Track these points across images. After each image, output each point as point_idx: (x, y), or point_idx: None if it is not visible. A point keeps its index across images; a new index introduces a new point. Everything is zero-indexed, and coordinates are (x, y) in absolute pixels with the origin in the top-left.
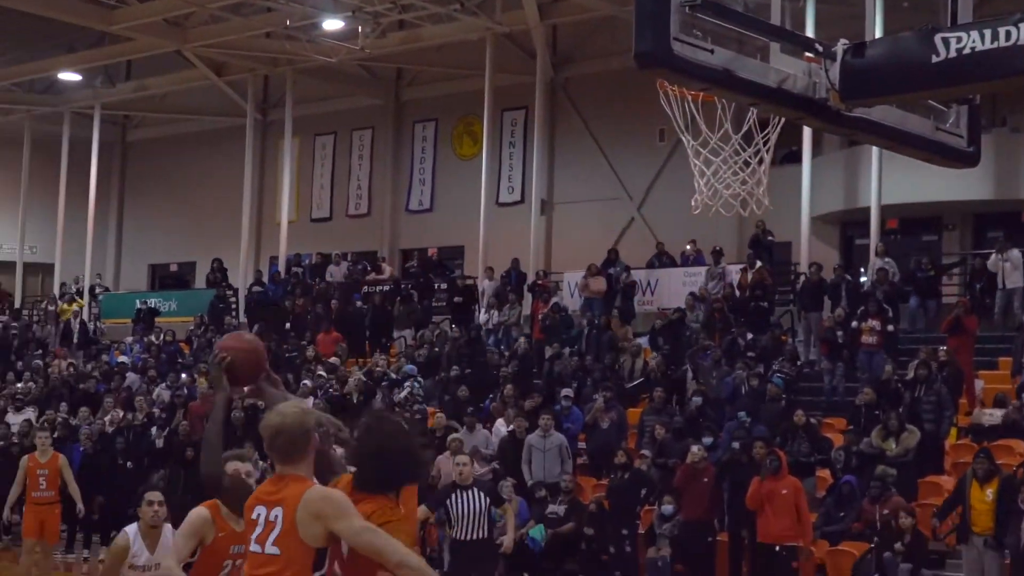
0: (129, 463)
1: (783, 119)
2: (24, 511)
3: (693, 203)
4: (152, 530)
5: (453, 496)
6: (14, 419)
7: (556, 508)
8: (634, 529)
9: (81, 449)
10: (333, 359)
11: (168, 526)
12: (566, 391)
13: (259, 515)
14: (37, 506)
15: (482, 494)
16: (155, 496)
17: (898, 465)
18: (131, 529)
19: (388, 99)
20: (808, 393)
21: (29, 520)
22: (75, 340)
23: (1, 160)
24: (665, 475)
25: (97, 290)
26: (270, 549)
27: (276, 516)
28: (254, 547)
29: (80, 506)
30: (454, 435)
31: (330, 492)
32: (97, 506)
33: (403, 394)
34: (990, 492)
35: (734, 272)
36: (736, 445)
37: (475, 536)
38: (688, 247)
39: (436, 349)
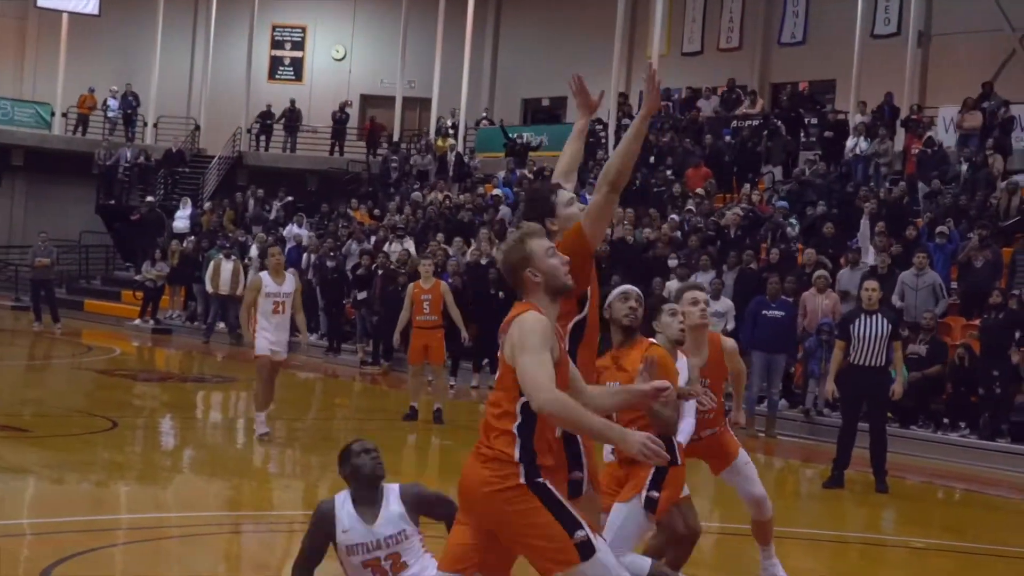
0: (501, 293)
1: None
2: (411, 336)
3: None
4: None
5: (857, 320)
6: (393, 249)
7: (917, 348)
8: (1005, 371)
9: (449, 280)
10: (699, 191)
11: None
12: (941, 228)
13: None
14: (421, 330)
15: (885, 321)
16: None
17: None
18: None
19: None
20: None
21: (415, 344)
22: (451, 173)
23: None
24: None
25: (480, 123)
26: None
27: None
28: None
29: (464, 333)
30: (820, 272)
31: (525, 319)
32: (470, 334)
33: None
34: None
35: None
36: None
37: (873, 363)
38: None
39: (800, 185)
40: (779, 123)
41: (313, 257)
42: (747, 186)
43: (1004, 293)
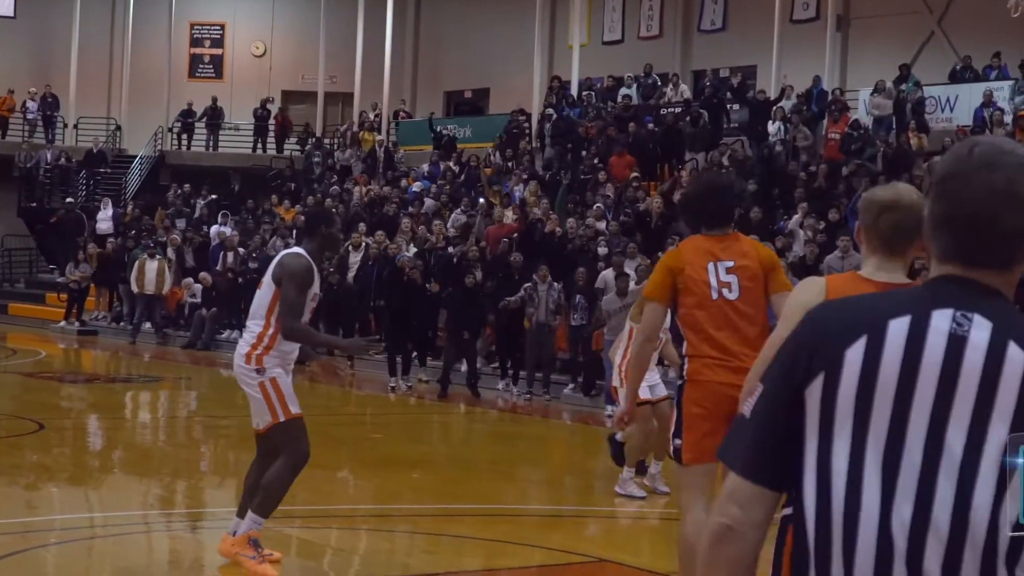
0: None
1: None
2: None
3: (1011, 4)
4: None
5: None
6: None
7: None
8: None
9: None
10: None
11: None
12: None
13: None
14: None
15: None
16: None
17: None
18: None
19: None
20: None
21: None
22: (380, 169)
23: None
24: None
25: (399, 114)
26: None
27: None
28: None
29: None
30: None
31: None
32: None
33: None
34: None
35: None
36: None
37: None
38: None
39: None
40: (701, 110)
41: (231, 255)
42: (678, 171)
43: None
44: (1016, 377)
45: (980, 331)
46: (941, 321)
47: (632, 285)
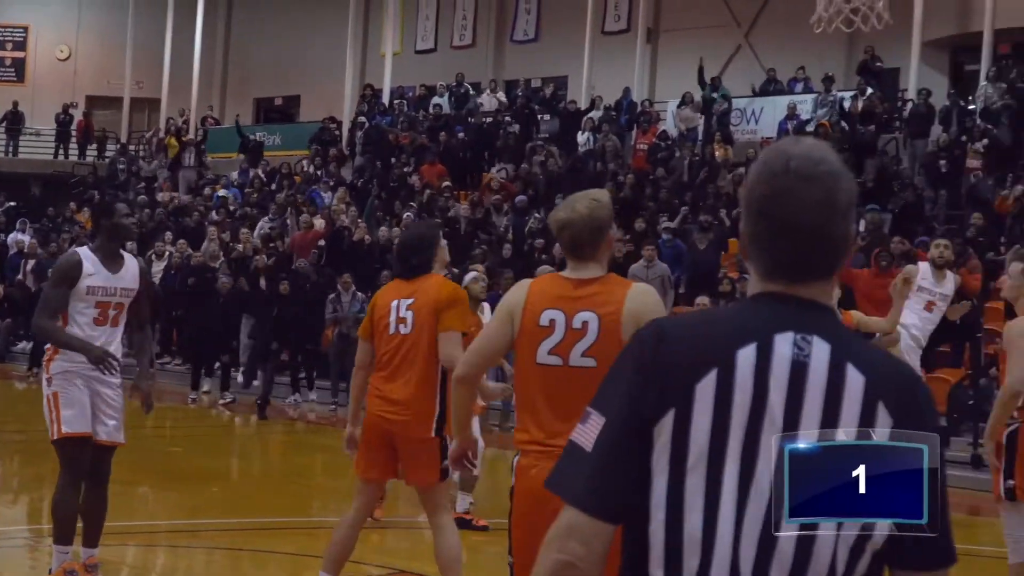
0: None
1: None
2: None
3: (813, 19)
4: None
5: None
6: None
7: None
8: None
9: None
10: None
11: None
12: (666, 223)
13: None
14: None
15: None
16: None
17: None
18: None
19: None
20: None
21: None
22: (182, 174)
23: None
24: None
25: (207, 120)
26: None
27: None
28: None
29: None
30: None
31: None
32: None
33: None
34: None
35: (846, 99)
36: None
37: None
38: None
39: (541, 177)
40: (511, 119)
41: (31, 263)
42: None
43: (733, 282)
44: (856, 401)
45: (820, 354)
46: (783, 346)
47: None
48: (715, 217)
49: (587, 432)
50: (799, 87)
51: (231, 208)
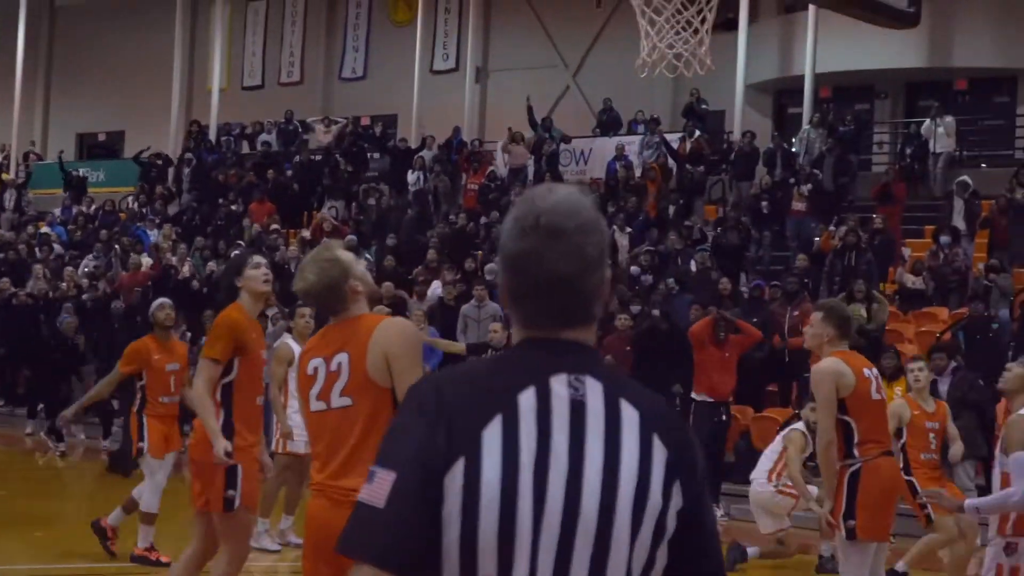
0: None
1: None
2: None
3: (638, 64)
4: None
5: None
6: None
7: None
8: None
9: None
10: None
11: None
12: (492, 264)
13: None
14: None
15: None
16: None
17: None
18: None
19: None
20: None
21: None
22: (10, 210)
23: None
24: None
25: (29, 156)
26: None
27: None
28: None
29: None
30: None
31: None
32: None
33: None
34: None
35: (674, 141)
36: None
37: None
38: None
39: (372, 216)
40: (339, 157)
41: None
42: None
43: None
44: (634, 435)
45: (594, 393)
46: (559, 387)
47: (270, 327)
48: None
49: (376, 490)
50: (640, 128)
51: (53, 246)
